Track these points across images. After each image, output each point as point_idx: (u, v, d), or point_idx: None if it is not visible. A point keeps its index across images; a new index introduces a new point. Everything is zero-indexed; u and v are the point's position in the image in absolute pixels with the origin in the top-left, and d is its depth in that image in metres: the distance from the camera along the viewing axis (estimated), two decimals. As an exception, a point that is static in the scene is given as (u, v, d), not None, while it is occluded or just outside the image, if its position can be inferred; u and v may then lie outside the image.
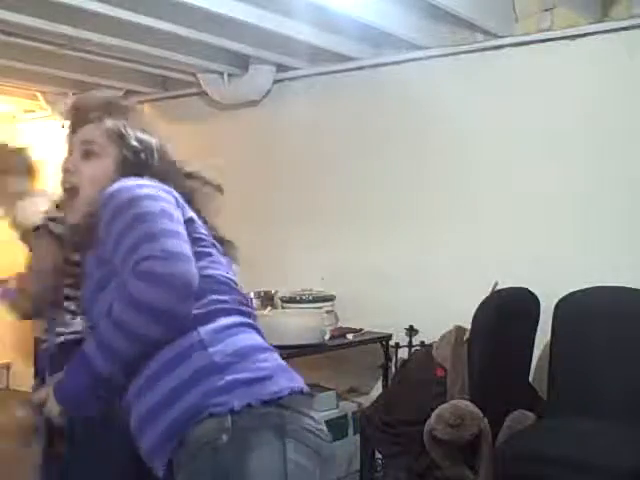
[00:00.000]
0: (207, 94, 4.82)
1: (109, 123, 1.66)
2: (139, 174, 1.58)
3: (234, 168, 4.48)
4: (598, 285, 3.40)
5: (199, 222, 1.58)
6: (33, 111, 5.86)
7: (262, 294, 4.18)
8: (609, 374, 3.26)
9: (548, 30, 3.69)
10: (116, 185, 1.51)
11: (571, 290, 3.44)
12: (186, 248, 1.42)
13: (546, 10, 3.69)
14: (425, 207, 4.14)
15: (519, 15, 3.79)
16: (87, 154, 1.63)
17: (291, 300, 4.12)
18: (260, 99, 4.74)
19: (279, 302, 4.19)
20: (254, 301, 3.99)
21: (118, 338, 1.40)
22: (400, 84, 4.16)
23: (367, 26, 3.70)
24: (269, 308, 4.06)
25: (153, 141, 1.68)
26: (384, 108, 4.26)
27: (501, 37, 3.82)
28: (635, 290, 3.32)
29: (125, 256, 1.41)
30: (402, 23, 3.77)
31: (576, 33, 3.62)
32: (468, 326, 3.37)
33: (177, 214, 1.49)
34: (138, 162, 1.62)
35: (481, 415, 3.09)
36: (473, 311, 3.31)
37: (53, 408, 1.52)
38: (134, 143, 1.64)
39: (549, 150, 3.72)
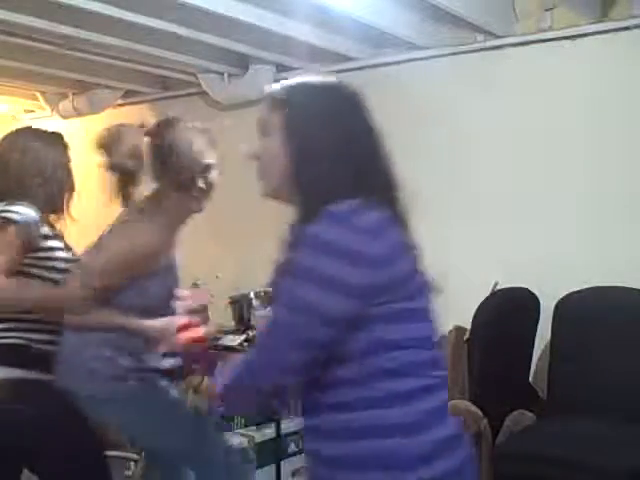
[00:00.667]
0: (207, 94, 4.82)
1: (269, 88, 1.58)
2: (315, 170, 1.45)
3: (234, 168, 4.46)
4: (598, 285, 3.40)
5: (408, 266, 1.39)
6: (33, 111, 5.84)
7: (262, 294, 4.16)
8: (609, 374, 3.26)
9: (548, 30, 3.69)
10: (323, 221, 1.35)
11: (571, 290, 3.44)
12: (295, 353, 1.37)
13: (546, 10, 3.69)
14: (424, 207, 4.12)
15: (519, 15, 3.79)
16: (262, 132, 1.58)
17: (292, 300, 4.10)
18: (260, 99, 4.72)
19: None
20: (254, 301, 3.98)
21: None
22: (400, 84, 4.15)
23: (367, 26, 3.70)
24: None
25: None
26: (384, 108, 4.21)
27: (501, 37, 3.82)
28: (635, 290, 3.33)
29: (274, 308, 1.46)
30: (402, 23, 3.77)
31: (576, 33, 3.62)
32: (468, 326, 3.37)
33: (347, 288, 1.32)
34: (310, 153, 1.47)
35: (481, 415, 3.09)
36: (473, 311, 3.31)
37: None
38: (300, 111, 1.50)
39: (549, 150, 3.72)
